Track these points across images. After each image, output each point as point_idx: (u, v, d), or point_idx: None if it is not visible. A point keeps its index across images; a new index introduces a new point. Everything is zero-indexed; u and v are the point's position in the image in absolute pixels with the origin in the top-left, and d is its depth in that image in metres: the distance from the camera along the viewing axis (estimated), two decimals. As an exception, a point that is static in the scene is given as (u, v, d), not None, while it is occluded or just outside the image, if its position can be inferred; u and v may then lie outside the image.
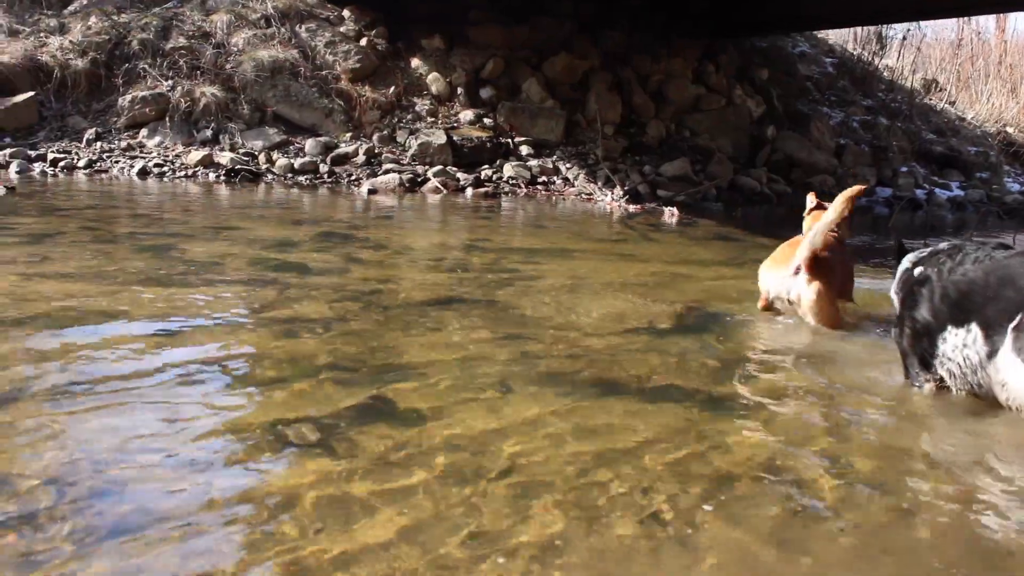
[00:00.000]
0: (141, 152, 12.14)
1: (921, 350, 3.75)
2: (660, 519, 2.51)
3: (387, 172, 12.15)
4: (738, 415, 3.44)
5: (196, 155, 11.85)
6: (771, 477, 2.84)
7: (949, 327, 3.58)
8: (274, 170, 12.02)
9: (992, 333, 3.36)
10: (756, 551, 2.37)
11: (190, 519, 2.34)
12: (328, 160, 12.36)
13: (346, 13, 14.46)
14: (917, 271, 3.87)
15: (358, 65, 13.60)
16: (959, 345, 3.53)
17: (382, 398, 3.38)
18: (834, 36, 20.17)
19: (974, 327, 3.45)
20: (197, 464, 2.68)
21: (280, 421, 3.08)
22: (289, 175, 11.98)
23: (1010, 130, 19.61)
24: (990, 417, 3.45)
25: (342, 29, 14.20)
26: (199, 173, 11.62)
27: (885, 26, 20.61)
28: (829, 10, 14.94)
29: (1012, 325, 3.25)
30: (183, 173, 11.59)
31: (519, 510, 2.52)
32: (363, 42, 14.03)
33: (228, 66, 13.07)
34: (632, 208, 11.51)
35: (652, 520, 2.50)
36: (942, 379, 3.70)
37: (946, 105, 19.91)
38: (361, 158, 12.50)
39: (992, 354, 3.35)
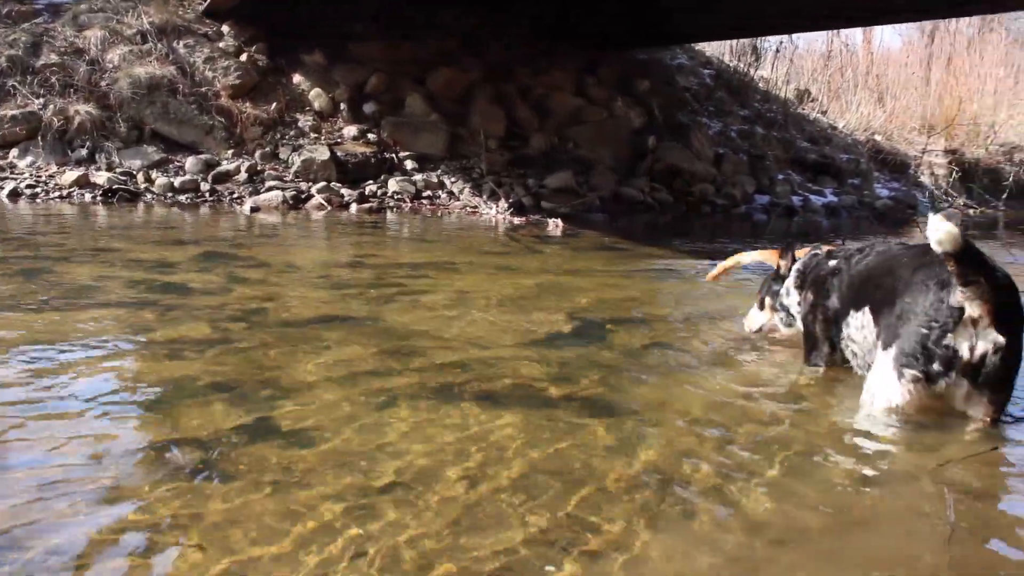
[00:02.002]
0: (12, 173, 11.73)
1: (830, 335, 4.16)
2: (545, 530, 2.56)
3: (270, 189, 12.02)
4: (628, 423, 3.52)
5: (71, 175, 11.52)
6: (673, 486, 2.91)
7: (851, 311, 3.94)
8: (153, 189, 11.77)
9: (878, 316, 3.70)
10: (656, 561, 2.44)
11: (74, 553, 2.30)
12: (209, 178, 12.16)
13: (225, 28, 14.26)
14: (832, 263, 4.21)
15: (238, 81, 13.42)
16: (859, 327, 3.88)
17: (267, 418, 3.37)
18: (711, 48, 20.67)
19: (867, 311, 3.80)
20: (78, 495, 2.64)
21: (163, 444, 3.05)
22: (169, 194, 11.74)
23: (878, 138, 20.36)
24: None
25: (221, 45, 13.99)
26: (74, 194, 11.31)
27: (759, 38, 21.26)
28: (708, 25, 15.46)
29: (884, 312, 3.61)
30: (57, 194, 11.26)
31: (407, 525, 2.54)
32: (243, 58, 13.85)
33: (103, 83, 12.76)
34: (517, 221, 11.62)
35: (538, 531, 2.55)
36: (846, 360, 4.10)
37: (818, 114, 20.57)
38: (243, 175, 12.32)
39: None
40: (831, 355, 4.19)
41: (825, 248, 4.49)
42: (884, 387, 3.51)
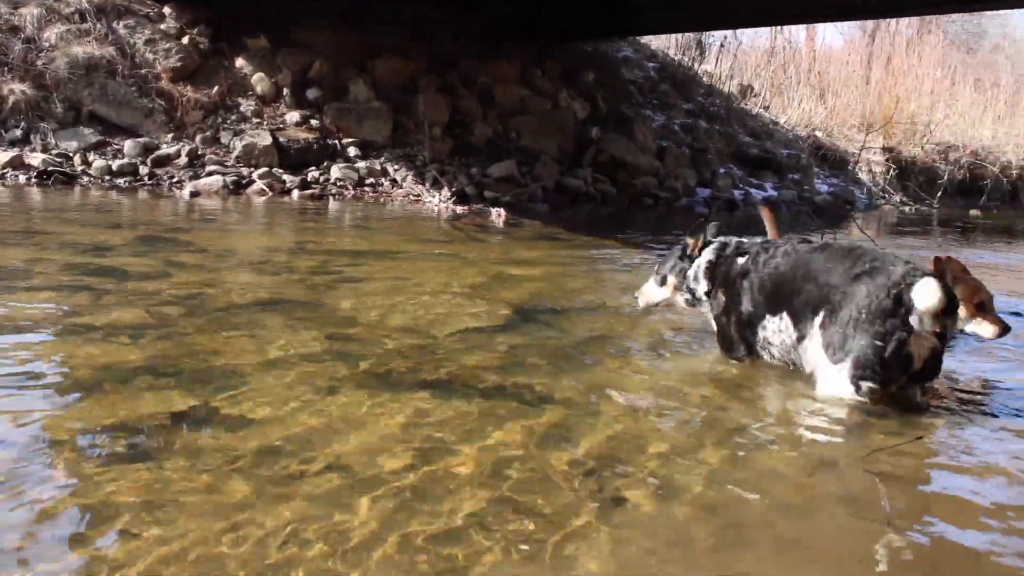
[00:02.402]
0: (-57, 153, 11.46)
1: (745, 336, 4.28)
2: (484, 515, 2.57)
3: (211, 174, 11.87)
4: (569, 410, 3.54)
5: (4, 156, 11.27)
6: (611, 472, 2.94)
7: (768, 316, 4.09)
8: (91, 172, 11.56)
9: (799, 321, 3.88)
10: (594, 545, 2.46)
11: (3, 537, 2.27)
12: (148, 162, 11.97)
13: (167, 10, 14.01)
14: (740, 262, 4.31)
15: (180, 64, 13.22)
16: (776, 331, 4.04)
17: (202, 403, 3.34)
18: (656, 42, 20.77)
19: (785, 316, 3.97)
20: (6, 478, 2.59)
21: (94, 429, 3.01)
22: (107, 177, 11.54)
23: (819, 134, 20.66)
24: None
25: (163, 26, 13.77)
26: (8, 175, 11.06)
27: (704, 33, 21.45)
28: (677, 21, 15.59)
29: (819, 321, 3.76)
30: (-10, 175, 11.02)
31: (343, 511, 2.54)
32: (185, 40, 13.64)
33: (39, 62, 12.48)
34: (459, 209, 11.61)
35: (477, 517, 2.56)
36: (760, 356, 4.27)
37: (761, 110, 20.81)
38: (183, 159, 12.15)
39: (801, 339, 3.88)
40: (748, 355, 4.31)
41: (734, 241, 4.55)
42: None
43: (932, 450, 3.38)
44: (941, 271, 4.40)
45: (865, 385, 3.59)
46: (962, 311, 4.11)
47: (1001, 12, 35.72)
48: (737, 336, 4.29)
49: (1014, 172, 22.34)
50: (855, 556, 2.50)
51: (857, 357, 3.57)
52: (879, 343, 3.50)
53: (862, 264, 3.67)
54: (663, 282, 4.79)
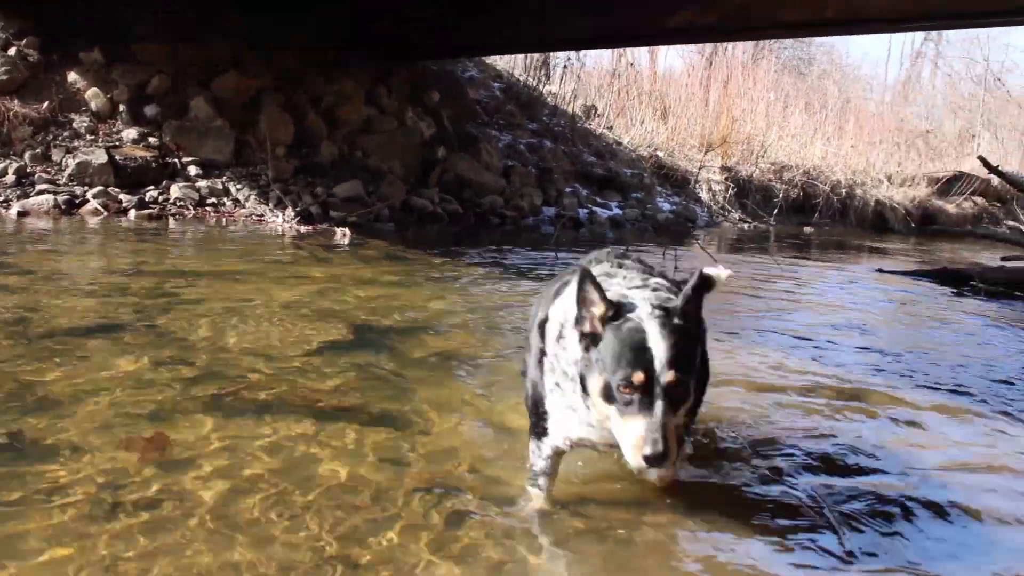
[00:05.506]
0: None
1: None
2: (311, 543, 2.54)
3: (41, 193, 11.36)
4: (410, 431, 3.54)
5: None
6: (439, 489, 2.95)
7: None
8: (-93, 191, 10.94)
9: None
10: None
11: None
12: (-28, 180, 11.40)
13: (-9, 20, 13.42)
14: None
15: (5, 77, 12.65)
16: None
17: (17, 433, 3.20)
18: (502, 62, 21.01)
19: None
20: None
21: None
22: (-74, 196, 10.94)
23: (661, 154, 21.23)
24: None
25: (-13, 38, 13.16)
26: None
27: (549, 54, 21.82)
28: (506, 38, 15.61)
29: None
30: None
31: (165, 543, 2.47)
32: (11, 52, 13.06)
33: None
34: (304, 229, 11.47)
35: (305, 546, 2.53)
36: None
37: (604, 130, 21.26)
38: (11, 178, 11.60)
39: None
40: None
41: None
42: None
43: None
44: None
45: None
46: None
47: (827, 40, 37.58)
48: None
49: (843, 190, 23.45)
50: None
51: None
52: None
53: None
54: None
